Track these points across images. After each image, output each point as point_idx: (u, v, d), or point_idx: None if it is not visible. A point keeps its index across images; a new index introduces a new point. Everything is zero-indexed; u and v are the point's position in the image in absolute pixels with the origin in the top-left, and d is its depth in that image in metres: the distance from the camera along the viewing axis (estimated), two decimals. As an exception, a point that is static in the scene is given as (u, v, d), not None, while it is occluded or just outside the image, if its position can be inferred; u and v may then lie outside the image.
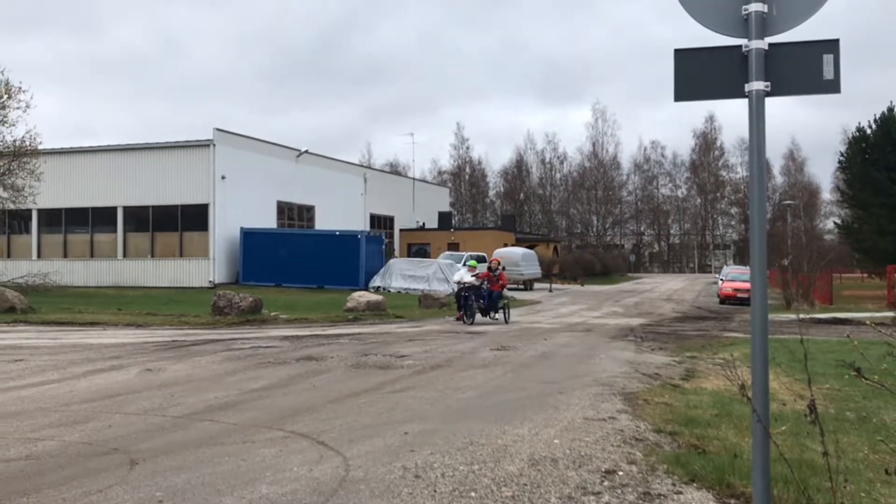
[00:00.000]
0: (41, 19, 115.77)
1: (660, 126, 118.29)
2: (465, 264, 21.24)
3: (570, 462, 5.68)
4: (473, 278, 21.01)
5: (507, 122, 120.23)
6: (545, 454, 5.89)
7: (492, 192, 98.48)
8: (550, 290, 40.22)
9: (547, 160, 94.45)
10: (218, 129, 36.13)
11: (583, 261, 57.87)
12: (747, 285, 28.72)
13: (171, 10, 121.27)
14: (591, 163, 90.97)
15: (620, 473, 5.39)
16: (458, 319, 20.98)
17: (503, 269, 22.33)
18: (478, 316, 20.67)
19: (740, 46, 4.06)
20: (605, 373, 10.65)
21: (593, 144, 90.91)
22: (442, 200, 63.93)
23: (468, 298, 20.50)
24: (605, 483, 5.17)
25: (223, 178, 35.58)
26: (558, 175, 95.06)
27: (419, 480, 5.16)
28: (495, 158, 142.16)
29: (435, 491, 4.93)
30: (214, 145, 35.51)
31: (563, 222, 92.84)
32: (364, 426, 6.91)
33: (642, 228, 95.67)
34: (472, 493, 4.89)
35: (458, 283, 21.84)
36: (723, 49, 4.18)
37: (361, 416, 7.41)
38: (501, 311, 20.89)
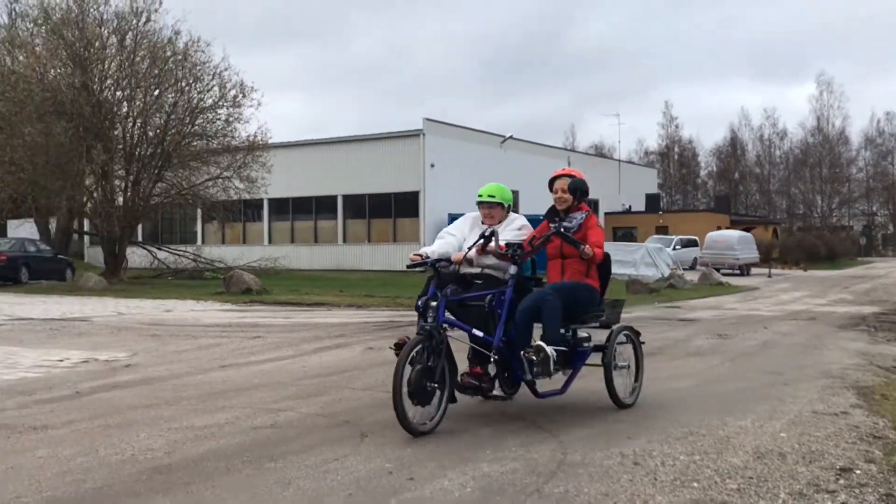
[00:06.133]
0: (291, 33, 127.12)
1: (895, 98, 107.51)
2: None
3: (800, 457, 5.38)
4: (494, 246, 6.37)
5: (719, 102, 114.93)
6: (771, 447, 5.62)
7: (703, 173, 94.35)
8: (769, 276, 37.99)
9: (765, 136, 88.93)
10: (427, 119, 37.39)
11: (805, 244, 54.14)
12: None
13: (398, 22, 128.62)
14: (815, 138, 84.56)
15: (858, 472, 5.04)
16: (398, 348, 6.07)
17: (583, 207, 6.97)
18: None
19: None
20: (833, 364, 9.93)
21: (818, 119, 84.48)
22: (649, 182, 62.18)
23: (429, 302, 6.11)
24: (841, 481, 4.85)
25: (432, 166, 36.84)
26: (778, 152, 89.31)
27: (638, 468, 5.12)
28: (707, 138, 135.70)
29: (655, 479, 4.87)
30: (424, 135, 36.84)
31: (784, 203, 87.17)
32: (577, 411, 6.95)
33: (874, 208, 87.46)
34: (695, 484, 4.78)
35: (425, 258, 6.49)
36: None
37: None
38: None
